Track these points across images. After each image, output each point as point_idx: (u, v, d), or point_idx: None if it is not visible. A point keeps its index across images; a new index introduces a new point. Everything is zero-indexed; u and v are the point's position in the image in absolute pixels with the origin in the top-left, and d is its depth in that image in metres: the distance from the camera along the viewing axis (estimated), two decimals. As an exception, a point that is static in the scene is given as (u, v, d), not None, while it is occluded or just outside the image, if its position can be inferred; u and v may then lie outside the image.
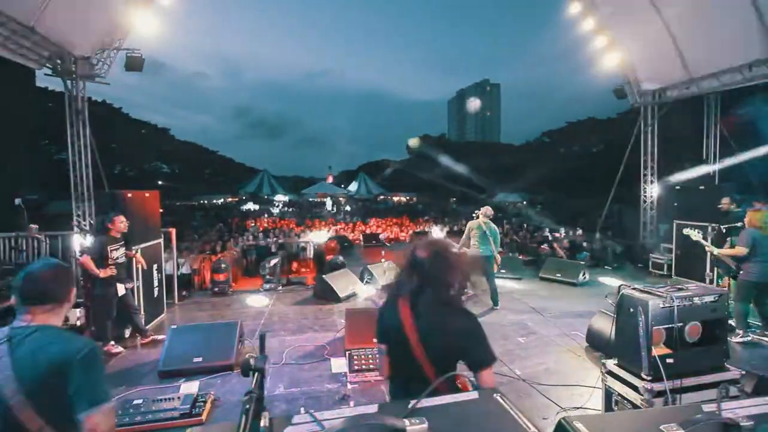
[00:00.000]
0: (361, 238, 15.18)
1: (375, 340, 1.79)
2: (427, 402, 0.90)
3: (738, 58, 8.01)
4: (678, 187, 8.03)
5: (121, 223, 4.53)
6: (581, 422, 1.06)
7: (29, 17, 6.35)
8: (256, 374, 0.95)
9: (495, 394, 0.92)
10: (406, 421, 0.81)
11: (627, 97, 10.59)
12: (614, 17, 9.29)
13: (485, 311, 5.97)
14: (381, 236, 11.45)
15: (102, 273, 4.30)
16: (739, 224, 5.03)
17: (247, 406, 0.80)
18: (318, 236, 11.66)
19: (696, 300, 2.66)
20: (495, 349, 4.84)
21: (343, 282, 6.87)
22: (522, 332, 5.07)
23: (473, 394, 0.93)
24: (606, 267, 9.10)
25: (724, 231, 5.17)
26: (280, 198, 33.60)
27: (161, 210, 5.88)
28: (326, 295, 6.64)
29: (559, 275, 7.58)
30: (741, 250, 4.46)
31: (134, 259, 4.92)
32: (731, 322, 4.94)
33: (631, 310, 2.64)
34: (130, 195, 5.06)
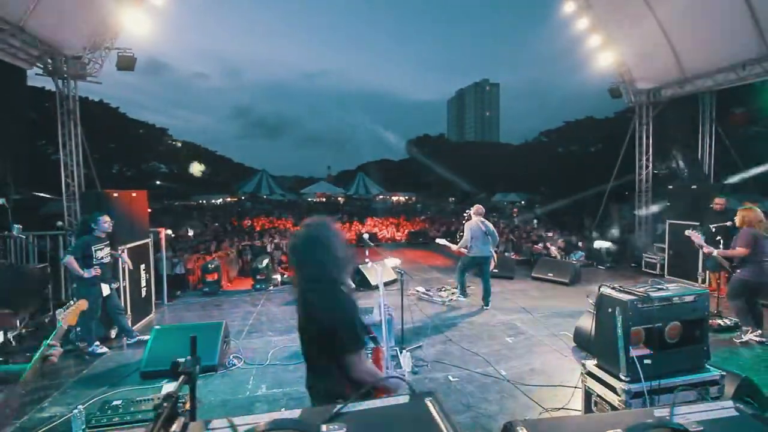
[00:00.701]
0: (356, 237, 15.15)
1: None
2: (353, 406, 0.87)
3: (732, 57, 7.98)
4: (671, 187, 7.99)
5: (105, 223, 4.50)
6: (524, 426, 1.03)
7: (18, 16, 6.31)
8: (182, 377, 0.91)
9: (427, 398, 0.89)
10: (324, 427, 0.78)
11: (622, 97, 10.56)
12: (608, 16, 9.26)
13: (476, 311, 5.94)
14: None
15: (86, 273, 4.28)
16: (728, 223, 4.98)
17: (160, 410, 0.77)
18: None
19: (675, 299, 2.63)
20: (481, 349, 4.78)
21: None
22: (510, 332, 5.04)
23: (404, 398, 0.90)
24: (599, 267, 9.07)
25: (713, 230, 5.12)
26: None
27: (149, 210, 5.84)
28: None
29: (551, 275, 7.55)
30: (742, 251, 4.29)
31: (120, 259, 4.89)
32: (728, 321, 4.89)
33: (610, 309, 2.61)
34: (116, 195, 5.03)
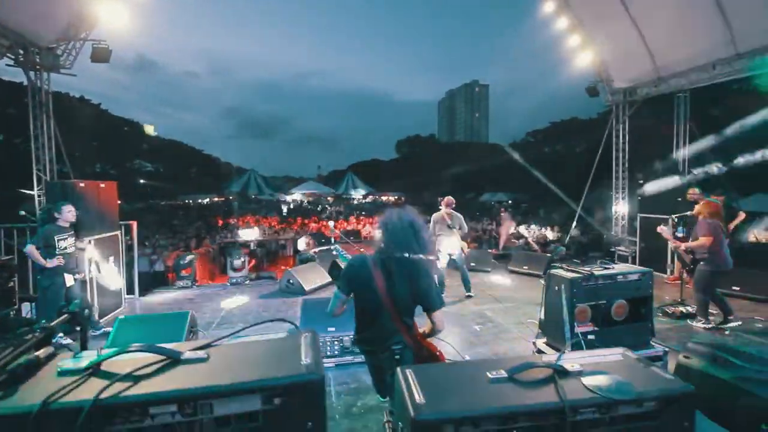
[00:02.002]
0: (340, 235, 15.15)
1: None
2: (232, 340, 0.90)
3: (704, 57, 8.18)
4: (641, 181, 8.18)
5: (69, 212, 4.43)
6: (412, 371, 1.08)
7: (-16, 5, 6.19)
8: (64, 316, 0.94)
9: (306, 333, 0.92)
10: (187, 353, 0.81)
11: (599, 95, 10.76)
12: (585, 15, 9.44)
13: (451, 301, 5.98)
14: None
15: (48, 263, 4.22)
16: (688, 213, 5.12)
17: (29, 336, 0.79)
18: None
19: (619, 278, 2.72)
20: (449, 337, 4.83)
21: (309, 275, 6.84)
22: (479, 320, 5.11)
23: (283, 334, 0.93)
24: (575, 260, 9.21)
25: (675, 220, 5.26)
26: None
27: (119, 202, 5.77)
28: (292, 288, 6.61)
29: (526, 267, 7.66)
30: (705, 240, 4.28)
31: (85, 249, 4.82)
32: (690, 308, 4.96)
33: (556, 288, 2.69)
34: (82, 185, 4.97)
